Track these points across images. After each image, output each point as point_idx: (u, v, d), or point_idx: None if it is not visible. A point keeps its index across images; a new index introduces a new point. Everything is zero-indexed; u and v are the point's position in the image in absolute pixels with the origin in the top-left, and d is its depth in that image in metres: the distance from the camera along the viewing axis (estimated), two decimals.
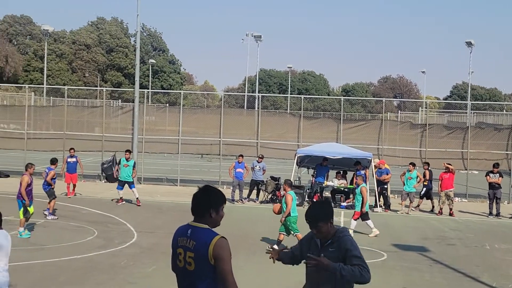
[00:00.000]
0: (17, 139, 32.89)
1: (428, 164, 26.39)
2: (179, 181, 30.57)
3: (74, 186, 25.62)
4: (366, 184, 20.83)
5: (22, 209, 16.94)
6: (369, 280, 6.18)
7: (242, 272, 14.13)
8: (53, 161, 21.08)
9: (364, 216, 19.27)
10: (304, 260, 6.48)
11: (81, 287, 12.40)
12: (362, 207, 19.09)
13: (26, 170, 17.59)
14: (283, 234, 16.41)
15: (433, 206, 25.93)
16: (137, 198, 23.74)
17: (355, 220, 19.23)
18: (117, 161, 24.84)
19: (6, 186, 27.14)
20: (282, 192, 18.98)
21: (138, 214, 21.68)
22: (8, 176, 30.82)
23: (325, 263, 6.10)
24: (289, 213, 16.11)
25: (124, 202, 24.01)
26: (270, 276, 13.73)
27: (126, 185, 23.79)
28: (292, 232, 16.20)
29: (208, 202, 5.67)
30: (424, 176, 25.65)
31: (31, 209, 17.15)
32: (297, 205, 16.89)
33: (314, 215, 6.44)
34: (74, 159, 25.47)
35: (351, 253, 6.24)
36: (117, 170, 24.95)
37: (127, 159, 24.19)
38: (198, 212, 5.68)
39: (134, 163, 24.58)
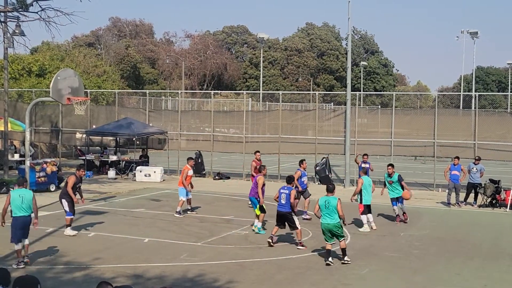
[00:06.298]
0: (236, 143, 34.61)
1: None
2: None
3: None
4: None
5: (258, 206, 18.10)
6: None
7: (460, 278, 13.67)
8: (301, 162, 21.71)
9: None
10: None
11: (297, 286, 12.78)
12: None
13: (261, 172, 18.91)
14: None
15: None
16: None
17: None
18: (329, 163, 25.20)
19: (226, 188, 28.84)
20: None
21: (352, 216, 21.71)
22: (228, 178, 32.55)
23: None
24: None
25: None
26: (489, 283, 13.14)
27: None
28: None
29: None
30: None
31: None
32: None
33: None
34: (367, 165, 25.39)
35: None
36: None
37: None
38: None
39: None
